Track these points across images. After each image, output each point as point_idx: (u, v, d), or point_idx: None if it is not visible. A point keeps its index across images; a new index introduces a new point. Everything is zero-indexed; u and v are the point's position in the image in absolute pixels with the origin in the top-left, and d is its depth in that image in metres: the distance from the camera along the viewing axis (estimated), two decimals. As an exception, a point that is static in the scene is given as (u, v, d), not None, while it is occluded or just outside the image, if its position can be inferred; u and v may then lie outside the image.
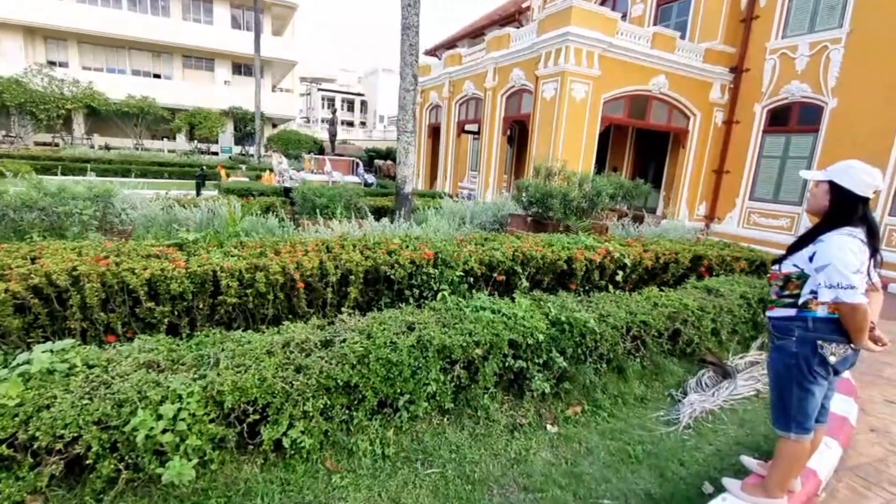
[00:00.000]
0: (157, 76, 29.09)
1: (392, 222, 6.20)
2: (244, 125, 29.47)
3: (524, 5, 19.21)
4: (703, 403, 3.30)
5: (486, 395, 2.99)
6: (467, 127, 16.75)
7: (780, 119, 11.55)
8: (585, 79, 10.57)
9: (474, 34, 22.24)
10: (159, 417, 1.98)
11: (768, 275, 2.29)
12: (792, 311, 2.10)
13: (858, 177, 1.95)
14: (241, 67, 30.95)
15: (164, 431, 1.97)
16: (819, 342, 2.02)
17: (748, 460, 2.67)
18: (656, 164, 14.05)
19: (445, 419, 2.85)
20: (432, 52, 25.75)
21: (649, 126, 12.30)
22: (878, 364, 4.82)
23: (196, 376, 2.22)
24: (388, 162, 24.81)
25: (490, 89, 13.79)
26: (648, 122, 12.09)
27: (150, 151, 25.48)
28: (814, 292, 2.01)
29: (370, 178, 17.22)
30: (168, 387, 2.07)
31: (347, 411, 2.52)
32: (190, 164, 20.71)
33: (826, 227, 2.01)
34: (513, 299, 3.48)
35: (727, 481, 2.43)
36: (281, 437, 2.26)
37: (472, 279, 4.01)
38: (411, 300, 3.71)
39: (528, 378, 3.07)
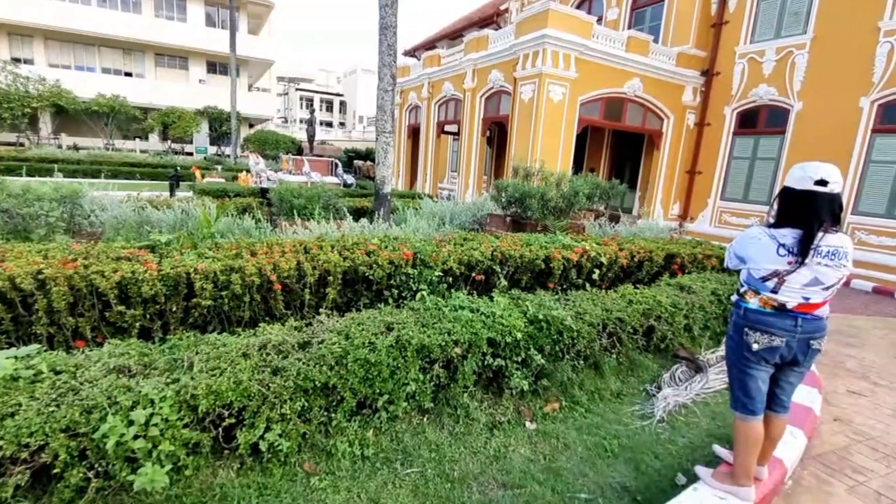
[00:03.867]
0: (128, 74, 28.31)
1: (371, 223, 6.17)
2: (220, 125, 28.88)
3: (502, 7, 19.37)
4: (677, 397, 3.39)
5: (465, 394, 3.01)
6: (447, 128, 16.79)
7: (749, 121, 11.94)
8: (562, 81, 10.72)
9: (453, 35, 22.31)
10: (130, 423, 1.93)
11: None
12: (735, 298, 2.34)
13: (794, 173, 2.09)
14: (217, 66, 30.36)
15: (135, 437, 1.93)
16: (746, 329, 2.20)
17: (720, 449, 2.76)
18: (632, 165, 14.35)
19: (425, 418, 2.86)
20: (411, 53, 25.71)
21: (625, 128, 12.55)
22: (842, 356, 5.03)
23: (169, 380, 2.17)
24: (368, 163, 24.65)
25: (469, 90, 13.86)
26: (624, 123, 12.33)
27: (121, 152, 24.70)
28: (746, 282, 2.24)
29: (349, 179, 17.07)
30: (140, 392, 2.03)
31: (326, 413, 2.51)
32: (163, 165, 20.16)
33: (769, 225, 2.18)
34: (491, 298, 3.51)
35: (700, 470, 2.51)
36: (258, 440, 2.23)
37: (451, 279, 4.03)
38: (390, 300, 3.71)
39: (507, 376, 3.10)
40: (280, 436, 2.28)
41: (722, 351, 4.24)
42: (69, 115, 24.82)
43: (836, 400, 3.93)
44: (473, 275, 4.15)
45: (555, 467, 2.60)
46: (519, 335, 3.06)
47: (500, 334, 3.02)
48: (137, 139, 27.95)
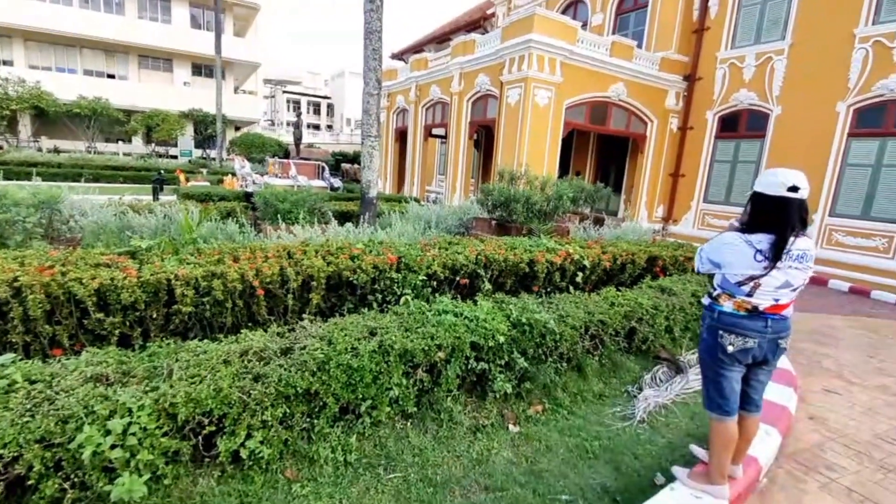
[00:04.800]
0: (111, 76, 27.84)
1: (357, 227, 6.16)
2: (205, 128, 28.54)
3: (489, 12, 19.51)
4: (657, 398, 3.45)
5: (449, 398, 3.03)
6: (434, 131, 16.83)
7: (730, 125, 12.17)
8: (548, 85, 10.83)
9: (441, 39, 22.40)
10: (107, 433, 1.91)
11: None
12: (707, 301, 2.37)
13: (766, 179, 2.13)
14: (202, 68, 30.02)
15: (112, 447, 1.91)
16: (720, 332, 2.25)
17: (697, 449, 2.81)
18: (617, 168, 14.53)
19: (408, 423, 2.87)
20: (399, 56, 25.75)
21: (609, 131, 12.71)
22: (818, 356, 5.15)
23: (148, 389, 2.16)
24: (356, 166, 24.58)
25: (456, 94, 13.92)
26: (609, 127, 12.49)
27: (103, 155, 24.31)
28: (721, 286, 2.27)
29: (336, 183, 17.01)
30: (117, 401, 2.01)
31: (308, 419, 2.50)
32: (147, 168, 19.89)
33: (740, 230, 2.21)
34: (475, 302, 3.54)
35: (677, 470, 2.55)
36: (238, 448, 2.22)
37: (435, 283, 4.05)
38: (374, 305, 3.71)
39: (491, 379, 3.13)
40: (261, 443, 2.27)
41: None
42: (49, 118, 24.33)
43: (812, 398, 4.03)
44: (458, 279, 4.17)
45: (537, 469, 2.63)
46: (502, 339, 3.09)
47: (484, 338, 3.04)
48: (120, 142, 27.49)
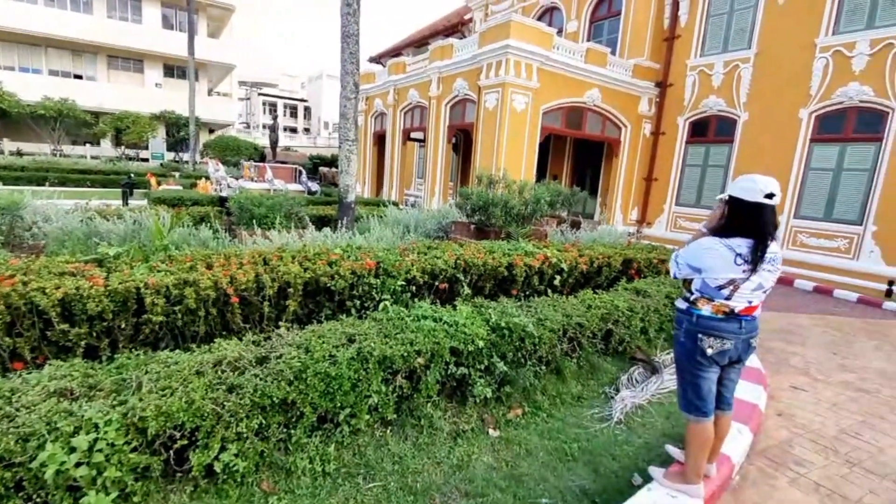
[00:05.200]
0: (78, 77, 26.95)
1: (335, 232, 6.10)
2: (178, 130, 27.88)
3: (467, 17, 19.65)
4: (634, 399, 3.51)
5: (429, 404, 3.02)
6: (413, 135, 16.82)
7: (700, 130, 12.54)
8: (525, 90, 10.96)
9: (419, 43, 22.43)
10: (72, 450, 1.84)
11: None
12: (684, 306, 2.39)
13: (742, 184, 2.18)
14: (175, 69, 29.33)
15: (77, 465, 1.83)
16: (699, 335, 2.28)
17: (672, 449, 2.87)
18: (593, 172, 14.78)
19: (388, 431, 2.85)
20: (377, 60, 25.66)
21: (585, 136, 12.94)
22: (786, 354, 5.33)
23: (116, 403, 2.08)
24: (333, 169, 24.33)
25: (434, 98, 13.95)
26: (584, 132, 12.72)
27: (70, 158, 23.45)
28: (700, 291, 2.30)
29: (314, 187, 16.79)
30: (83, 416, 1.93)
31: (285, 430, 2.46)
32: (116, 172, 19.25)
33: (715, 235, 2.25)
34: (454, 307, 3.54)
35: (653, 470, 2.60)
36: (212, 461, 2.16)
37: (414, 288, 4.03)
38: (353, 311, 3.67)
39: (471, 384, 3.13)
40: (236, 455, 2.21)
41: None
42: (12, 119, 23.37)
43: (780, 395, 4.17)
44: (437, 283, 4.17)
45: (517, 474, 2.64)
46: (481, 343, 3.09)
47: (463, 343, 3.04)
48: (88, 145, 26.57)
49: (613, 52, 13.05)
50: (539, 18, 15.55)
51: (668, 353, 4.40)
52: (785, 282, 9.83)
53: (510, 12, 10.76)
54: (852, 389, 4.43)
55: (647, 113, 13.29)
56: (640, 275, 5.49)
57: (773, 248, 2.19)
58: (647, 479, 2.59)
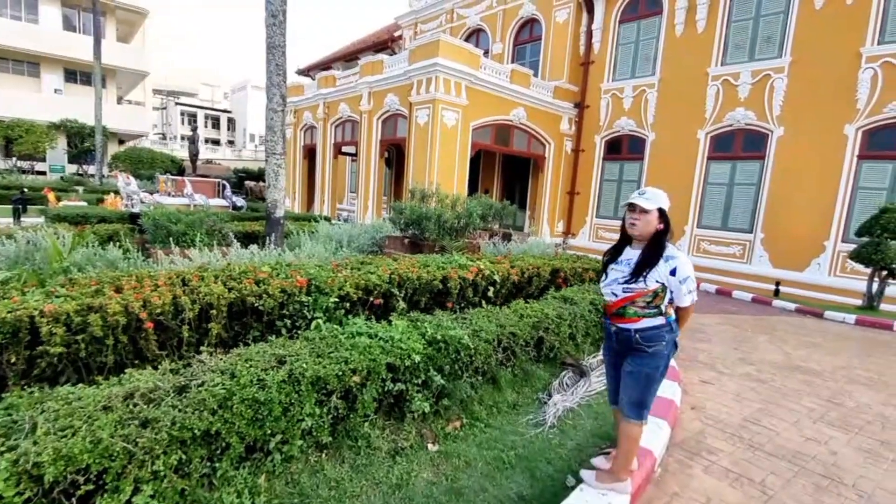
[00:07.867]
0: (-47, 79, 23.63)
1: (262, 249, 5.82)
2: (81, 140, 25.21)
3: (396, 34, 19.89)
4: (565, 402, 3.67)
5: (366, 423, 2.94)
6: (344, 149, 16.59)
7: (615, 148, 13.60)
8: (455, 107, 11.26)
9: (349, 58, 22.30)
10: (-55, 510, 1.58)
11: (627, 295, 2.42)
12: (660, 320, 2.40)
13: (662, 197, 2.42)
14: (78, 75, 26.66)
15: (-48, 526, 1.58)
16: (676, 339, 2.48)
17: (598, 461, 2.92)
18: (521, 186, 15.45)
19: (324, 454, 2.74)
20: (305, 73, 25.13)
21: (513, 152, 13.53)
22: (695, 351, 5.84)
23: (4, 448, 1.82)
24: (260, 184, 23.33)
25: (366, 112, 13.90)
26: (512, 148, 13.29)
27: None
28: (671, 300, 2.42)
29: (239, 202, 15.94)
30: (-41, 468, 1.67)
31: (209, 463, 2.28)
32: (6, 186, 17.04)
33: (662, 247, 2.38)
34: (390, 322, 3.51)
35: (584, 473, 2.71)
36: (123, 505, 1.95)
37: (348, 304, 3.94)
38: (283, 331, 3.52)
39: (409, 399, 3.10)
40: (152, 497, 2.01)
41: (601, 355, 4.68)
42: None
43: (692, 389, 4.55)
44: (371, 299, 4.11)
45: (457, 487, 2.65)
46: (418, 357, 3.08)
47: (400, 358, 3.02)
48: (-32, 156, 23.32)
49: (536, 74, 13.83)
50: (466, 39, 16.12)
51: (593, 357, 4.66)
52: (693, 285, 10.80)
53: (439, 32, 11.09)
54: (752, 380, 4.95)
55: (568, 131, 14.18)
56: (567, 283, 5.78)
57: None
58: (580, 479, 2.70)
